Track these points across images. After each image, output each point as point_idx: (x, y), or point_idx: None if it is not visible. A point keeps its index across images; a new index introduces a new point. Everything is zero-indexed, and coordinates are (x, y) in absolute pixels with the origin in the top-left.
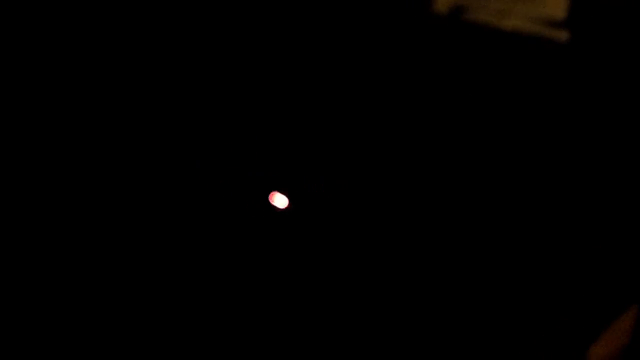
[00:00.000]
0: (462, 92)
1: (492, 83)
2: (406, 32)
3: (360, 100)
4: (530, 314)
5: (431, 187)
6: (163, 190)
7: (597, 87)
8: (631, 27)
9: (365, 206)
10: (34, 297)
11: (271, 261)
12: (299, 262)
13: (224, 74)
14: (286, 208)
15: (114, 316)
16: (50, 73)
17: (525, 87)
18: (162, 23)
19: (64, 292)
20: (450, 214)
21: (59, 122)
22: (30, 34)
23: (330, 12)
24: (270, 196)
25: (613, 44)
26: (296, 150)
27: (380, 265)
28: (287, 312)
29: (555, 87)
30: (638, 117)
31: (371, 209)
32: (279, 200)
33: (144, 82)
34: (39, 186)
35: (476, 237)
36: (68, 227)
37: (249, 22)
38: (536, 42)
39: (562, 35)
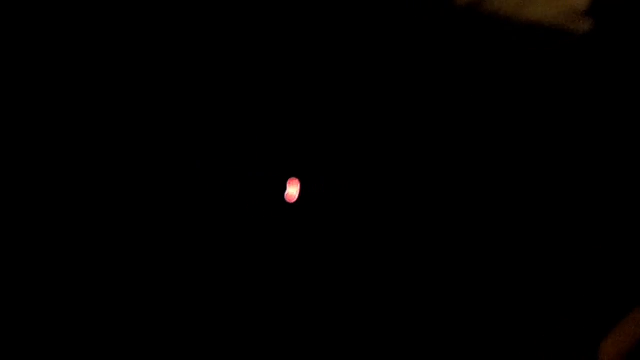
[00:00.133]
0: (482, 85)
1: (513, 75)
2: (425, 23)
3: (379, 92)
4: (540, 311)
5: (448, 181)
6: (174, 184)
7: (621, 81)
8: None
9: (380, 200)
10: (34, 297)
11: (283, 254)
12: (310, 255)
13: (237, 66)
14: (297, 201)
15: (120, 311)
16: (50, 73)
17: (546, 80)
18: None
19: (69, 290)
20: (471, 207)
21: (60, 122)
22: (30, 34)
23: (350, 4)
24: (288, 182)
25: (637, 35)
26: (310, 142)
27: (392, 261)
28: (296, 306)
29: (577, 79)
30: None
31: (385, 203)
32: (291, 193)
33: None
34: (39, 186)
35: (492, 232)
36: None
37: (268, 12)
38: (557, 33)
39: (585, 27)
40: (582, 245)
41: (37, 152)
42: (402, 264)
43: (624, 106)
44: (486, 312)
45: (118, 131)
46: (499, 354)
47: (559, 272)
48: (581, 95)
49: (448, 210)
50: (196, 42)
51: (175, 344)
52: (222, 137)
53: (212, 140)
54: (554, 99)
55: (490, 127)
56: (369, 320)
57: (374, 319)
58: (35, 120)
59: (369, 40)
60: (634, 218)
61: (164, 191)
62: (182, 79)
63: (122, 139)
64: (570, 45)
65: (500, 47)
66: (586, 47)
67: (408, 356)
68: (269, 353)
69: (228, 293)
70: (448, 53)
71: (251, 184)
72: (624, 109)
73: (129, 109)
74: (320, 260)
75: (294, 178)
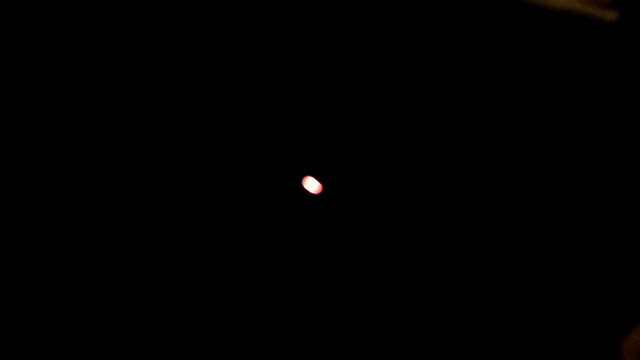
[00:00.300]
0: (505, 74)
1: (537, 64)
2: (451, 9)
3: (401, 85)
4: (561, 307)
5: (469, 178)
6: (190, 176)
7: None
8: None
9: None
10: (34, 297)
11: (302, 246)
12: (330, 247)
13: (252, 61)
14: (319, 193)
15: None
16: (50, 73)
17: (571, 70)
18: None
19: (74, 288)
20: (491, 202)
21: (61, 122)
22: (30, 34)
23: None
24: (303, 180)
25: None
26: (330, 135)
27: (404, 259)
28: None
29: (602, 69)
30: None
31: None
32: (311, 185)
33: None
34: (39, 186)
35: (512, 229)
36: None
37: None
38: (583, 22)
39: (612, 16)
40: (606, 242)
41: (39, 152)
42: (413, 262)
43: None
44: (508, 309)
45: (139, 125)
46: (523, 347)
47: (581, 268)
48: (603, 85)
49: (462, 208)
50: (220, 39)
51: (185, 337)
52: (246, 135)
53: (236, 138)
54: (576, 88)
55: (514, 117)
56: (379, 316)
57: (384, 315)
58: (38, 121)
59: (392, 33)
60: None
61: (191, 177)
62: (206, 76)
63: (144, 133)
64: (596, 34)
65: (527, 34)
66: (612, 37)
67: (414, 356)
68: (280, 346)
69: (242, 286)
70: (474, 41)
71: (270, 180)
72: None
73: (153, 104)
74: (331, 257)
75: (310, 176)
